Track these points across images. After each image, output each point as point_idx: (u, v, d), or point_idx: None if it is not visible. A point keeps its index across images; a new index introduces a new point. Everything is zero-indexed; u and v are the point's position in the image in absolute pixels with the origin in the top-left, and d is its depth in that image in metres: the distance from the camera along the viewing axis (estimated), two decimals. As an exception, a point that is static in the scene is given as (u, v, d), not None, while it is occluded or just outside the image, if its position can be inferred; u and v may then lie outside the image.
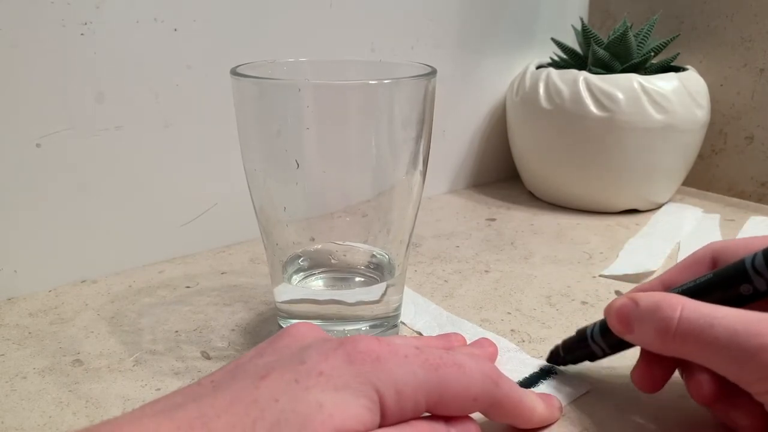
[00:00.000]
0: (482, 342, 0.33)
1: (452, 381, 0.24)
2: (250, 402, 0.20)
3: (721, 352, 0.23)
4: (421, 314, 0.38)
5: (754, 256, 0.25)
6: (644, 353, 0.28)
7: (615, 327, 0.27)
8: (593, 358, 0.31)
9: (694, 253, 0.30)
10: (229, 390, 0.21)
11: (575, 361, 0.32)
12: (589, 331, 0.30)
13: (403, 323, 0.37)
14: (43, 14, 0.37)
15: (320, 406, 0.21)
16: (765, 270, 0.24)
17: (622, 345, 0.29)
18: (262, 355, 0.24)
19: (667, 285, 0.29)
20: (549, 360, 0.32)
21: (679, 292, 0.27)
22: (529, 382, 0.31)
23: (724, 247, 0.28)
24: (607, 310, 0.28)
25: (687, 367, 0.27)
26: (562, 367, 0.32)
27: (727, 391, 0.25)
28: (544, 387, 0.31)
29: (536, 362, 0.33)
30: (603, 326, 0.29)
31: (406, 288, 0.38)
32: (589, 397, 0.30)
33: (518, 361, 0.33)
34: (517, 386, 0.26)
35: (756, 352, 0.22)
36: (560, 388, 0.31)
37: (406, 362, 0.23)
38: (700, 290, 0.26)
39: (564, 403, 0.29)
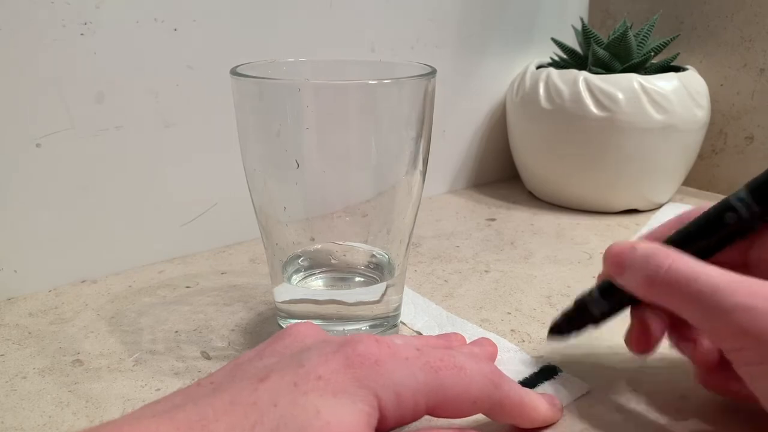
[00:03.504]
0: (482, 341, 0.33)
1: (452, 383, 0.24)
2: (249, 404, 0.20)
3: (699, 305, 0.24)
4: (421, 314, 0.38)
5: (738, 190, 0.27)
6: (635, 315, 0.29)
7: (609, 268, 0.28)
8: (594, 320, 0.30)
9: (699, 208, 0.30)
10: (229, 392, 0.21)
11: (579, 328, 0.31)
12: (586, 291, 0.30)
13: (403, 323, 0.37)
14: (43, 14, 0.37)
15: (318, 412, 0.20)
16: (746, 195, 0.26)
17: (617, 299, 0.29)
18: (262, 356, 0.24)
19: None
20: (551, 333, 0.32)
21: (673, 235, 0.28)
22: (529, 383, 0.31)
23: None
24: (606, 252, 0.28)
25: (685, 334, 0.28)
26: (562, 366, 0.32)
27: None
28: (544, 388, 0.31)
29: (537, 362, 0.33)
30: (601, 285, 0.30)
31: (406, 288, 0.38)
32: (589, 397, 0.30)
33: (518, 361, 0.33)
34: (519, 386, 0.26)
35: (731, 309, 0.23)
36: (560, 388, 0.31)
37: (406, 364, 0.23)
38: (692, 228, 0.28)
39: (564, 404, 0.29)
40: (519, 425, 0.27)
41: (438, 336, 0.34)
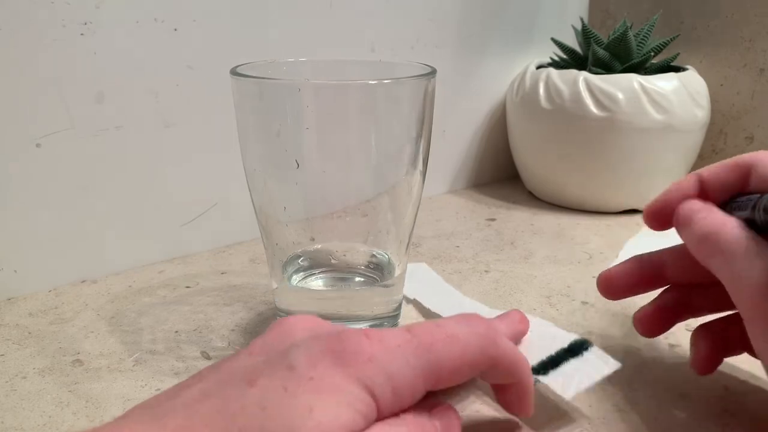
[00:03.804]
0: (512, 315, 0.30)
1: (447, 354, 0.23)
2: (237, 409, 0.20)
3: (731, 268, 0.25)
4: (433, 292, 0.38)
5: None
6: (659, 298, 0.31)
7: (675, 220, 0.29)
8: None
9: (738, 158, 0.30)
10: (217, 397, 0.21)
11: None
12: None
13: (407, 299, 0.37)
14: (43, 14, 0.37)
15: (310, 410, 0.20)
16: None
17: None
18: (251, 353, 0.23)
19: (704, 181, 0.31)
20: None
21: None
22: (554, 361, 0.29)
23: (762, 160, 0.28)
24: (679, 207, 0.29)
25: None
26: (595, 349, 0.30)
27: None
28: (571, 365, 0.29)
29: (568, 337, 0.30)
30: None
31: (422, 264, 0.40)
32: (589, 395, 0.30)
33: (549, 336, 0.30)
34: (513, 346, 0.25)
35: (755, 277, 0.24)
36: (589, 365, 0.29)
37: (399, 353, 0.22)
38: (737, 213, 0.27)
39: (593, 382, 0.28)
40: (508, 391, 0.26)
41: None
